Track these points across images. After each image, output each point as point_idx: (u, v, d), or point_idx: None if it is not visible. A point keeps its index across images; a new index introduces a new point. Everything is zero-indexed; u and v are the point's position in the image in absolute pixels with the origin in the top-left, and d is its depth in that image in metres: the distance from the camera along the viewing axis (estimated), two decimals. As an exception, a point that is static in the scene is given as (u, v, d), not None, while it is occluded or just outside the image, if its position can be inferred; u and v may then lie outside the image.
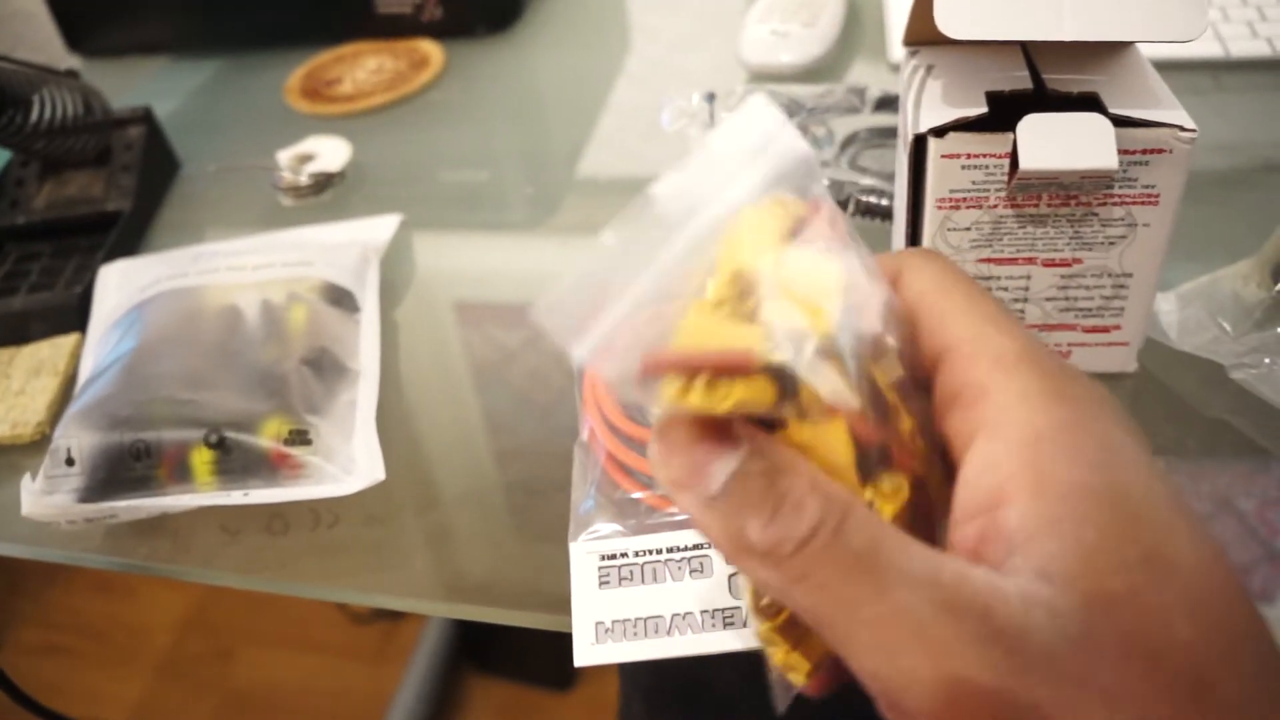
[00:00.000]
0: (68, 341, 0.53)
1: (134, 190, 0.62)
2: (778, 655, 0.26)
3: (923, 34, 0.43)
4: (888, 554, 0.21)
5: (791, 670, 0.25)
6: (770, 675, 0.27)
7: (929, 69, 0.43)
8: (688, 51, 0.75)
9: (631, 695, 0.64)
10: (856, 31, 0.72)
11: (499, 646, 1.25)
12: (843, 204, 0.53)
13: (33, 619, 1.40)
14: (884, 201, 0.52)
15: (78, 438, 0.42)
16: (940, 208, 0.41)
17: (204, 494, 0.42)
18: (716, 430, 0.22)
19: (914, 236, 0.42)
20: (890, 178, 0.54)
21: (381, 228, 0.57)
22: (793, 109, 0.57)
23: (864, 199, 0.52)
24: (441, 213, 0.62)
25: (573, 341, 0.22)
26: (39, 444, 0.49)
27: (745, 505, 0.21)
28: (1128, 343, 0.43)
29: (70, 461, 0.42)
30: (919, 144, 0.40)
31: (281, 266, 0.51)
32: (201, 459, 0.42)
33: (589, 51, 0.77)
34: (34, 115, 0.58)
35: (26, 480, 0.42)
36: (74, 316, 0.54)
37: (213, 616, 1.37)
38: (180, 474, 0.42)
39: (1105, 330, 0.43)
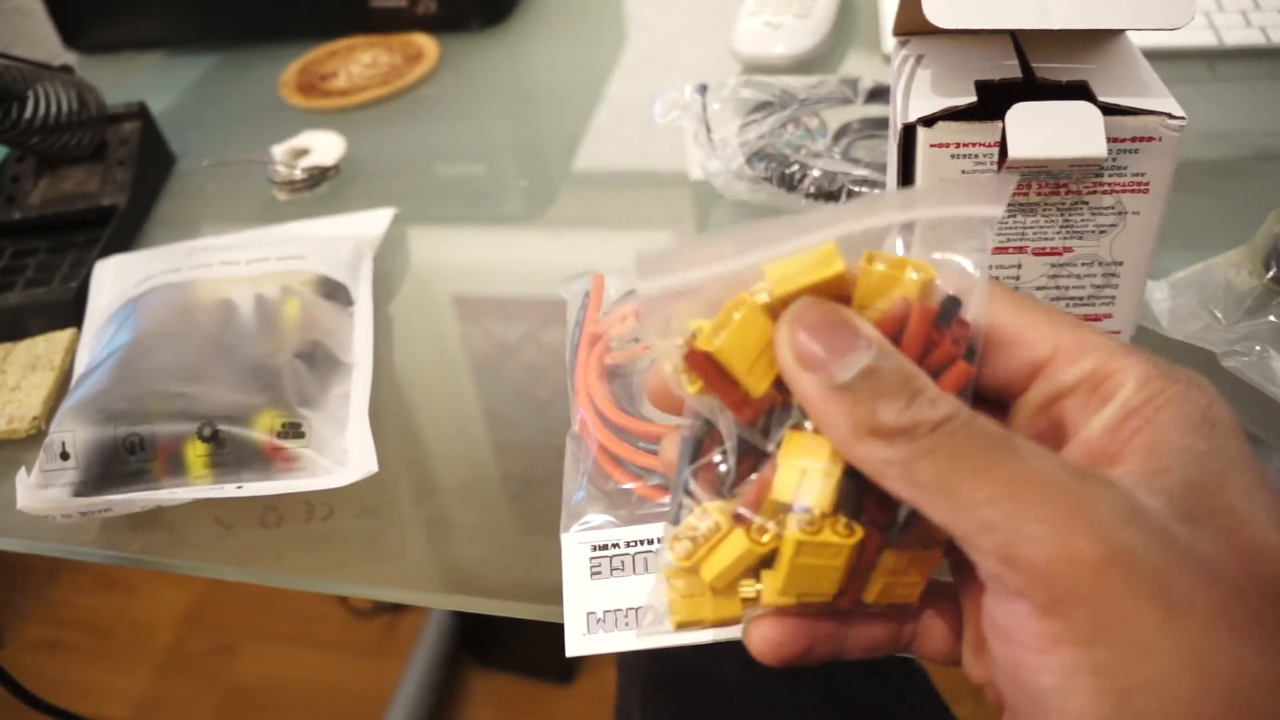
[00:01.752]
0: (63, 336, 0.54)
1: (129, 185, 0.62)
2: (670, 598, 0.28)
3: (912, 24, 0.43)
4: (1020, 439, 0.23)
5: (674, 614, 0.28)
6: (645, 608, 0.30)
7: (918, 59, 0.43)
8: (682, 43, 0.75)
9: (629, 686, 0.64)
10: (850, 23, 0.72)
11: (499, 640, 1.25)
12: (835, 194, 0.53)
13: (35, 616, 1.40)
14: (876, 192, 0.52)
15: (72, 432, 0.43)
16: (931, 197, 0.41)
17: (198, 487, 0.42)
18: (847, 325, 0.24)
19: (905, 226, 0.42)
20: (883, 168, 0.54)
21: (375, 221, 0.57)
22: (785, 100, 0.57)
23: (856, 189, 0.52)
24: (436, 206, 0.62)
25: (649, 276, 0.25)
26: (34, 439, 0.49)
27: (879, 394, 0.23)
28: (1119, 331, 0.43)
29: (65, 455, 0.42)
30: (908, 133, 0.40)
31: (275, 260, 0.51)
32: (195, 452, 0.42)
33: (584, 44, 0.77)
34: (29, 111, 0.58)
35: (22, 474, 0.42)
36: (70, 311, 0.54)
37: (214, 612, 1.38)
38: (174, 467, 0.42)
39: (1096, 319, 0.43)
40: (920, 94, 0.40)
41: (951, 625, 0.28)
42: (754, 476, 0.27)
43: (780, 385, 0.26)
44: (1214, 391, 0.24)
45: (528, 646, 1.23)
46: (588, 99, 0.70)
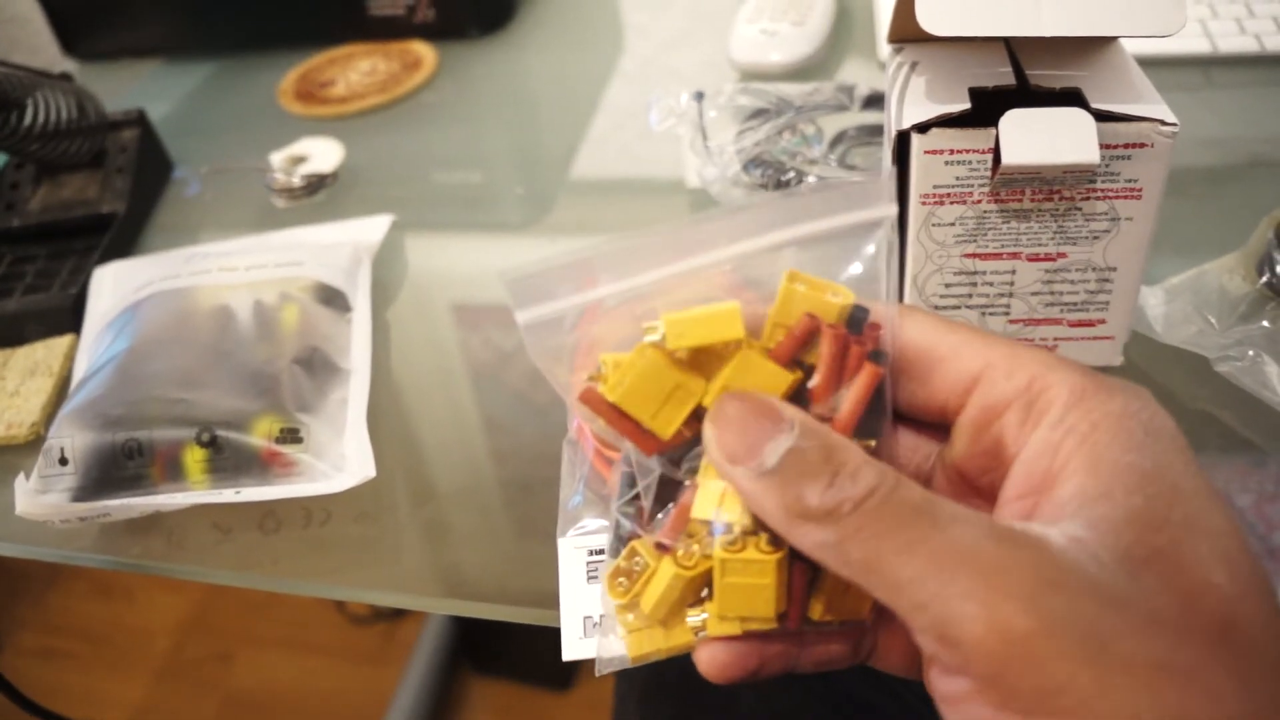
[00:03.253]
0: (62, 343, 0.54)
1: (128, 192, 0.62)
2: (621, 634, 0.29)
3: (907, 31, 0.43)
4: (943, 505, 0.23)
5: (629, 648, 0.29)
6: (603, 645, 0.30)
7: (913, 66, 0.43)
8: (680, 51, 0.75)
9: (627, 693, 0.64)
10: (846, 30, 0.72)
11: (498, 647, 1.25)
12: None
13: (32, 623, 1.40)
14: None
15: (71, 437, 0.43)
16: (924, 203, 0.41)
17: (196, 492, 0.42)
18: (768, 412, 0.25)
19: (900, 232, 0.42)
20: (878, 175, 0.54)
21: (373, 228, 0.57)
22: (781, 107, 0.57)
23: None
24: (434, 213, 0.62)
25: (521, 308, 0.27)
26: (34, 444, 0.49)
27: (802, 476, 0.23)
28: (1113, 336, 0.44)
29: (64, 461, 0.42)
30: (902, 140, 0.40)
31: (273, 267, 0.52)
32: (194, 458, 0.42)
33: (581, 51, 0.78)
34: (29, 119, 0.58)
35: (20, 480, 0.43)
36: (68, 318, 0.55)
37: (212, 619, 1.38)
38: (172, 473, 0.42)
39: (1090, 324, 0.43)
40: (915, 101, 0.40)
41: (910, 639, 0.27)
42: (672, 505, 0.28)
43: (690, 423, 0.27)
44: (1153, 401, 0.24)
45: (526, 654, 1.23)
46: (585, 106, 0.70)
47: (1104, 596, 0.21)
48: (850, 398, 0.27)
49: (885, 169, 0.29)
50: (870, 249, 0.29)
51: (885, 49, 0.67)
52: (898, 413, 0.29)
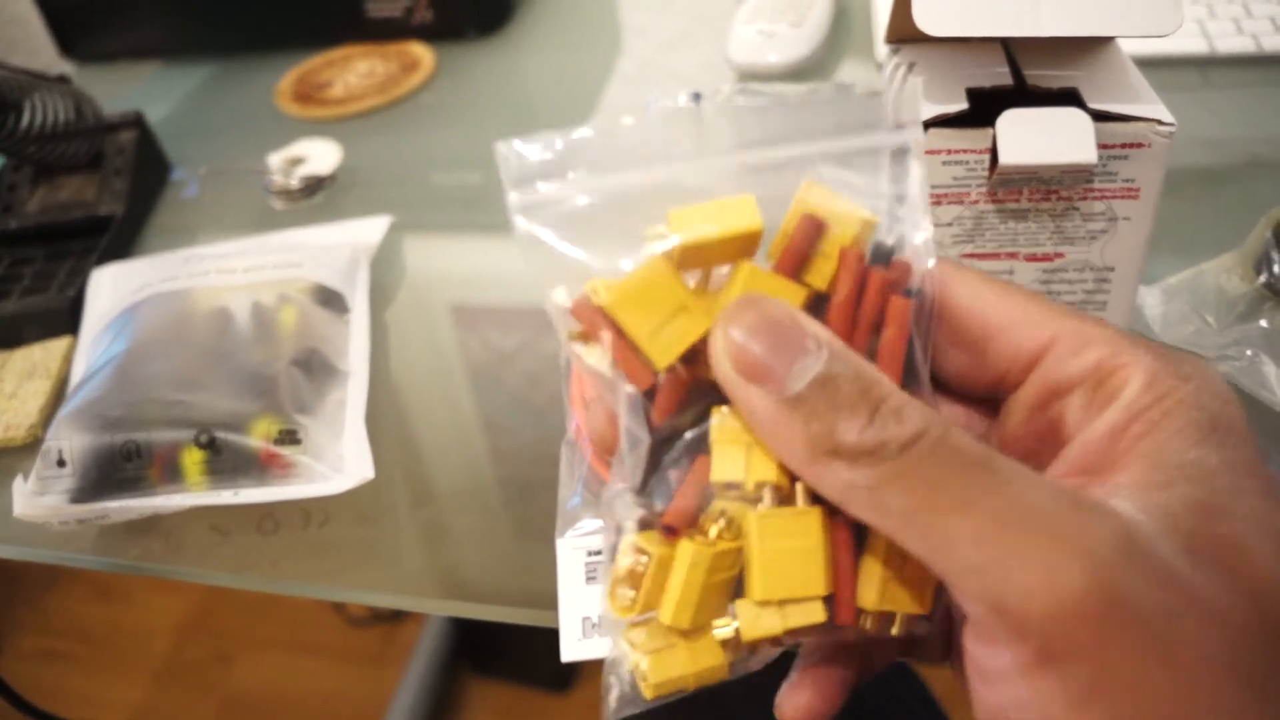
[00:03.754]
0: (60, 345, 0.54)
1: (126, 194, 0.62)
2: (632, 661, 0.24)
3: (904, 31, 0.43)
4: (1002, 460, 0.20)
5: (643, 679, 0.24)
6: (609, 684, 0.25)
7: (910, 66, 0.43)
8: (678, 51, 0.75)
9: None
10: (844, 31, 0.72)
11: (497, 649, 1.25)
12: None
13: (31, 625, 1.40)
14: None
15: (69, 439, 0.43)
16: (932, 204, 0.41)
17: (194, 494, 0.42)
18: (794, 325, 0.21)
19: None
20: None
21: (372, 229, 0.57)
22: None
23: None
24: (433, 215, 0.62)
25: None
26: (31, 446, 0.49)
27: (836, 406, 0.20)
28: (1111, 336, 0.44)
29: (62, 463, 0.42)
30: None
31: (271, 268, 0.52)
32: (192, 459, 0.42)
33: (580, 52, 0.78)
34: (26, 120, 0.58)
35: (19, 482, 0.43)
36: (66, 320, 0.55)
37: (211, 621, 1.37)
38: (171, 474, 0.42)
39: (1088, 324, 0.43)
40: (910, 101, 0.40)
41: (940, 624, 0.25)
42: (672, 474, 0.23)
43: (689, 360, 0.23)
44: (1227, 391, 0.22)
45: (525, 655, 1.23)
46: (583, 107, 0.70)
47: (1172, 581, 0.19)
48: (886, 337, 0.23)
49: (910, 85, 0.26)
50: (908, 177, 0.25)
51: (883, 49, 0.67)
52: (942, 383, 0.26)
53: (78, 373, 0.50)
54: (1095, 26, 0.37)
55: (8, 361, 0.54)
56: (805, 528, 0.22)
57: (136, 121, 0.66)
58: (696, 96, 0.56)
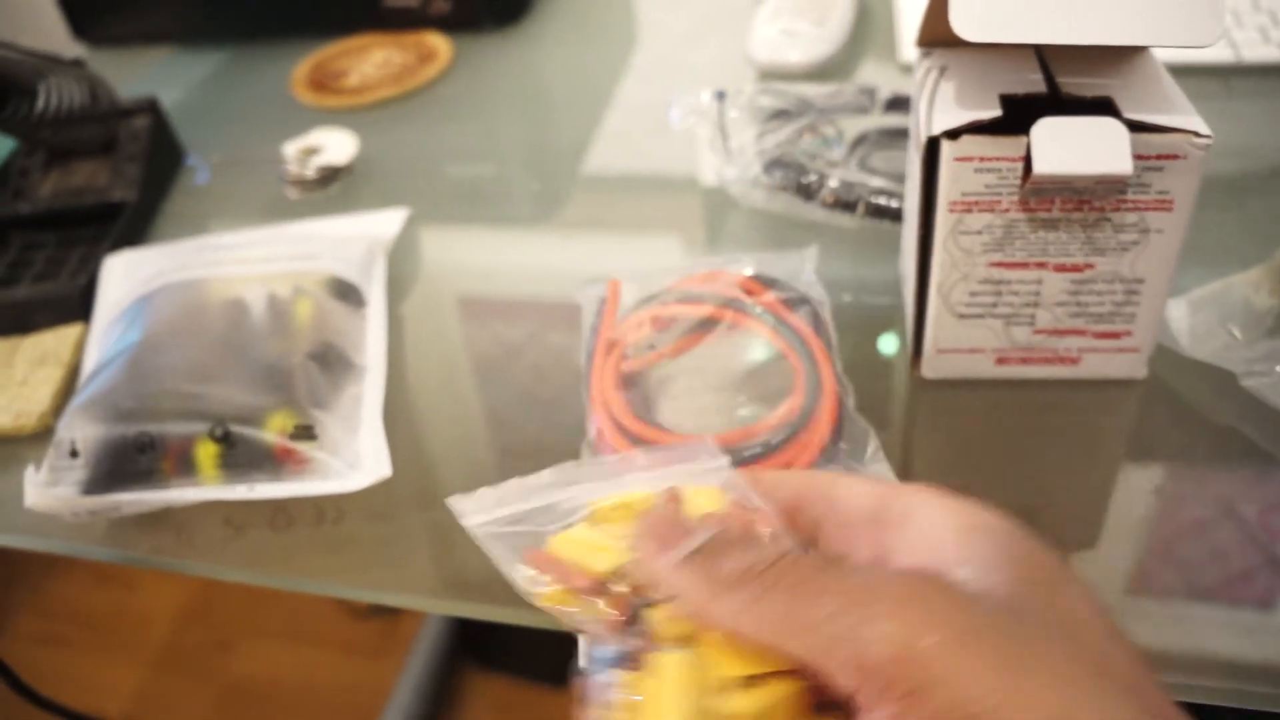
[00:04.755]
0: (71, 332, 0.53)
1: (139, 181, 0.62)
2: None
3: (937, 35, 0.43)
4: (847, 560, 0.25)
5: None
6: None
7: (942, 70, 0.43)
8: (695, 47, 0.75)
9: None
10: (866, 31, 0.72)
11: (498, 642, 1.25)
12: (852, 205, 0.53)
13: (31, 608, 1.39)
14: (894, 203, 0.52)
15: (82, 430, 0.42)
16: (953, 210, 0.41)
17: (208, 488, 0.41)
18: (684, 522, 0.27)
19: (925, 239, 0.42)
20: (901, 179, 0.54)
21: (388, 222, 0.56)
22: (802, 108, 0.57)
23: (874, 200, 0.52)
24: (448, 207, 0.61)
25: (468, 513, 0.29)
26: (43, 435, 0.49)
27: (724, 550, 0.25)
28: (1139, 349, 0.43)
29: (74, 453, 0.42)
30: (932, 146, 0.39)
31: (287, 260, 0.51)
32: (206, 452, 0.42)
33: (596, 46, 0.77)
34: (40, 104, 0.57)
35: (30, 471, 0.42)
36: (77, 306, 0.54)
37: (212, 608, 1.37)
38: (184, 467, 0.42)
39: (1116, 336, 0.43)
40: (944, 106, 0.40)
41: None
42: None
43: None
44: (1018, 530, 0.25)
45: (527, 650, 1.22)
46: (599, 101, 0.70)
47: (1007, 613, 0.23)
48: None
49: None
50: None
51: (907, 52, 0.67)
52: None
53: (90, 361, 0.49)
54: (1134, 36, 0.37)
55: (19, 348, 0.53)
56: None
57: (151, 107, 0.65)
58: (720, 95, 0.55)
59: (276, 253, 0.51)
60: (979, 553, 0.24)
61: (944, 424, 0.45)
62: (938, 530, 0.25)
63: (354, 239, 0.54)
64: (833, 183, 0.52)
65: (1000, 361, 0.45)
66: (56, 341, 0.53)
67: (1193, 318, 0.46)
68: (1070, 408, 0.44)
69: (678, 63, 0.74)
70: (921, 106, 0.42)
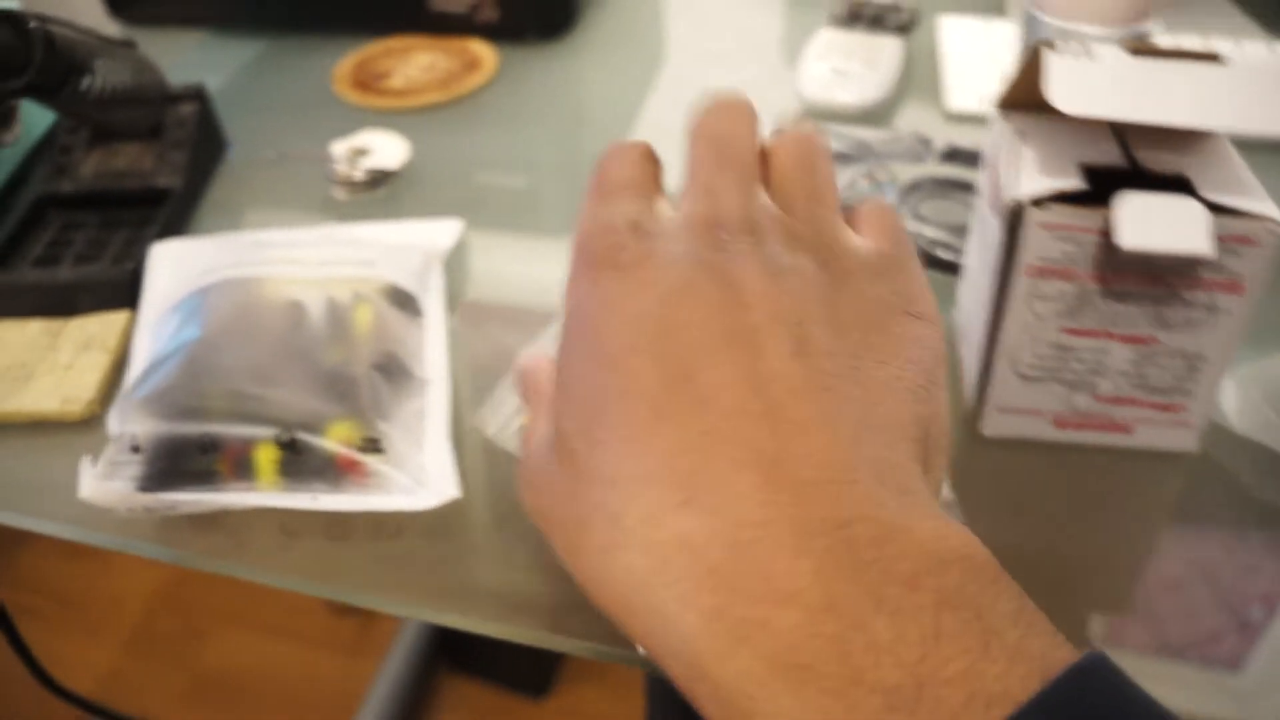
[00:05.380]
0: (118, 319, 0.53)
1: (185, 168, 0.61)
2: None
3: (1019, 99, 0.44)
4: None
5: None
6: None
7: (1021, 135, 0.43)
8: (736, 72, 0.75)
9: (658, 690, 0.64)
10: (910, 76, 0.72)
11: (476, 648, 1.24)
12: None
13: (3, 579, 1.37)
14: (954, 257, 0.53)
15: (143, 425, 0.42)
16: (1030, 275, 0.41)
17: (269, 494, 0.41)
18: None
19: (999, 300, 0.42)
20: (952, 229, 0.55)
21: (443, 232, 0.56)
22: (860, 152, 0.57)
23: (934, 253, 0.53)
24: (495, 217, 0.61)
25: None
26: (88, 423, 0.48)
27: None
28: (1193, 423, 0.44)
29: (136, 449, 0.41)
30: (1016, 212, 0.40)
31: (344, 264, 0.51)
32: (267, 457, 0.42)
33: (638, 65, 0.77)
34: (93, 83, 0.57)
35: (86, 464, 0.42)
36: (125, 293, 0.53)
37: (186, 593, 1.35)
38: (242, 470, 0.42)
39: (1172, 409, 0.44)
40: (1029, 173, 0.41)
41: None
42: None
43: None
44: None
45: (504, 657, 1.22)
46: (639, 120, 0.70)
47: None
48: None
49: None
50: None
51: (955, 101, 0.68)
52: None
53: (141, 352, 0.49)
54: (1229, 122, 0.38)
55: (63, 331, 0.52)
56: None
57: (198, 95, 0.65)
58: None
59: (333, 255, 0.51)
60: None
61: (996, 480, 0.46)
62: None
63: (409, 247, 0.54)
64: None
65: (1058, 425, 0.46)
66: (102, 327, 0.52)
67: (1240, 394, 0.47)
68: (1120, 474, 0.45)
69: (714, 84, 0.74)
70: (1002, 169, 0.43)
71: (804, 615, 0.20)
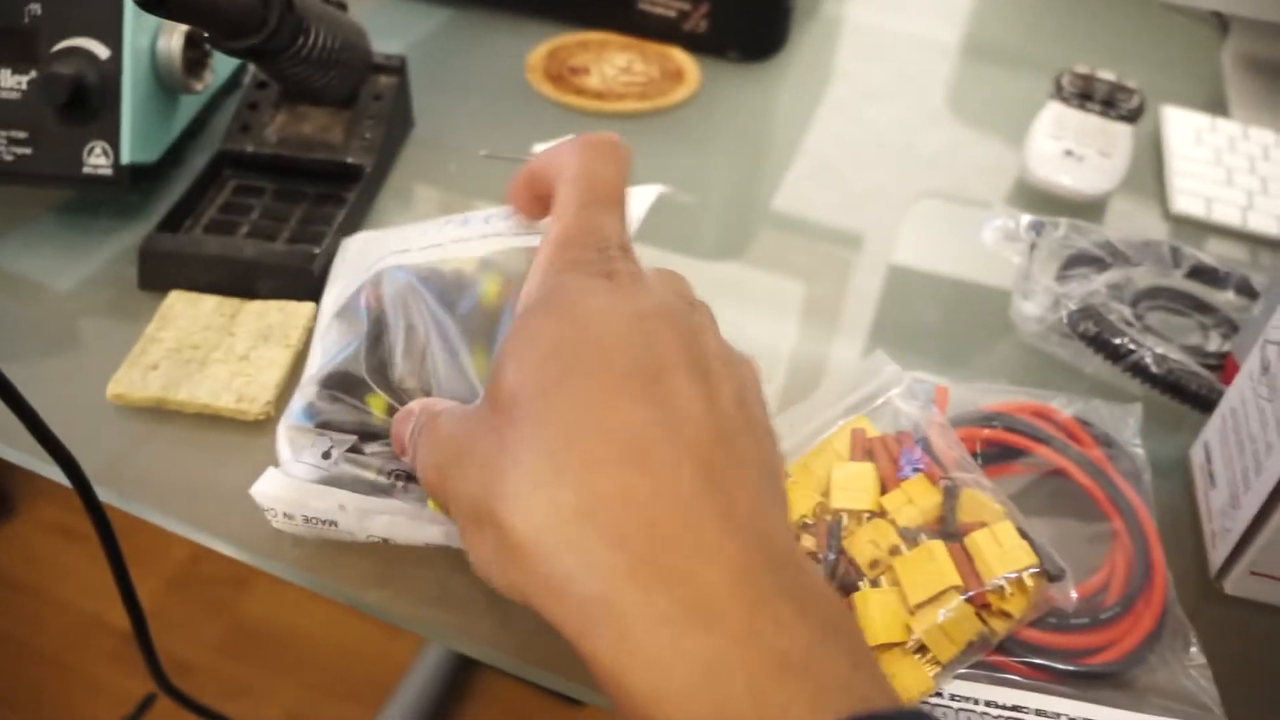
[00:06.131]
0: (303, 310, 0.49)
1: (378, 146, 0.57)
2: None
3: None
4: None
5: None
6: None
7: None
8: (965, 138, 0.71)
9: None
10: (1133, 171, 0.67)
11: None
12: (1153, 377, 0.49)
13: (54, 497, 1.34)
14: (1202, 389, 0.48)
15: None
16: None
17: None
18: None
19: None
20: (1186, 350, 0.50)
21: (641, 196, 0.49)
22: (1110, 255, 0.53)
23: (1184, 383, 0.48)
24: (652, 232, 0.57)
25: None
26: (263, 424, 0.44)
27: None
28: None
29: (327, 455, 0.38)
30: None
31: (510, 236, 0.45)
32: None
33: (830, 94, 0.73)
34: (311, 46, 0.52)
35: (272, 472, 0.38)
36: (312, 283, 0.49)
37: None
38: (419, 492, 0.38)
39: None
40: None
41: None
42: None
43: None
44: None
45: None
46: (822, 150, 0.66)
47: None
48: None
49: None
50: None
51: (1180, 202, 0.63)
52: None
53: (323, 347, 0.44)
54: None
55: (240, 313, 0.49)
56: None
57: (400, 68, 0.60)
58: (1038, 226, 0.51)
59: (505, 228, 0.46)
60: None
61: (1231, 642, 0.41)
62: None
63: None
64: (1147, 355, 0.48)
65: (1306, 596, 0.42)
66: (284, 318, 0.48)
67: None
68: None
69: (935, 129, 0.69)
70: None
71: (727, 576, 0.25)
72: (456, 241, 0.44)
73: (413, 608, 0.39)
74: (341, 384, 0.39)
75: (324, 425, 0.39)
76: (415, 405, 0.34)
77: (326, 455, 0.38)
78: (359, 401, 0.39)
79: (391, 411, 0.38)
